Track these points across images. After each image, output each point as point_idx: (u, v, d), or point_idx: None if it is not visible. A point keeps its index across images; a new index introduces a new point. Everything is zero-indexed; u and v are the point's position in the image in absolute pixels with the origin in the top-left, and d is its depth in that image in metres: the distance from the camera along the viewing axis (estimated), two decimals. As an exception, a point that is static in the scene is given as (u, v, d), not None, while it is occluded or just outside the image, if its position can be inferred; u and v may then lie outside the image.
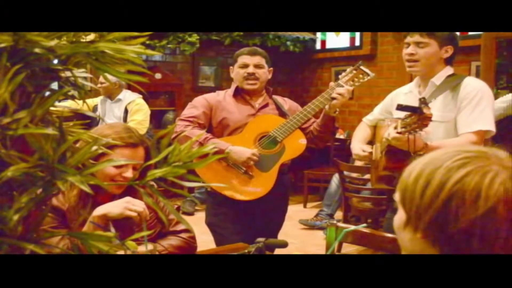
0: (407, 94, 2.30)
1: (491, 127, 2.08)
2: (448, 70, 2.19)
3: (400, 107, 1.90)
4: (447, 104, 2.13)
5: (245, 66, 2.49)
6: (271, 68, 2.59)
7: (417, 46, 2.13)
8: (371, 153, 2.29)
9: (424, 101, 1.85)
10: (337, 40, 6.32)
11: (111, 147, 1.46)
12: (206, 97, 2.54)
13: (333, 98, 2.36)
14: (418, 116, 1.83)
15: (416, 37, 2.12)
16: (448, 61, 2.19)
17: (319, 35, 6.50)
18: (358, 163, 4.68)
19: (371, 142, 2.43)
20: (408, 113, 1.89)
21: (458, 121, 2.10)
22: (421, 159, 0.86)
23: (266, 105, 2.54)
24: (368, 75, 2.48)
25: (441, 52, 2.14)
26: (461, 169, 0.79)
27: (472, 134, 2.06)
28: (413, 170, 0.85)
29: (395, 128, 2.00)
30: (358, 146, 2.32)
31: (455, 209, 0.77)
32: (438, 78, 2.16)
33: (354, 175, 4.23)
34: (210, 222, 2.55)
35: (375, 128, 2.47)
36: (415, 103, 1.96)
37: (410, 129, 1.89)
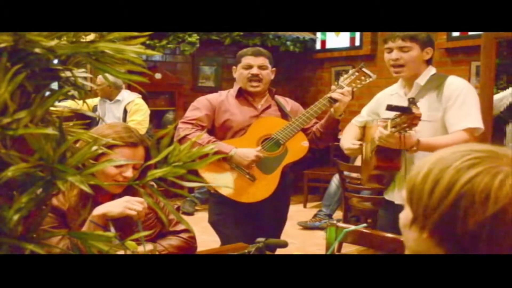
0: (393, 95, 2.34)
1: (479, 124, 2.13)
2: (430, 70, 2.25)
3: (390, 108, 1.94)
4: (432, 104, 2.18)
5: (249, 67, 2.48)
6: (274, 69, 2.58)
7: (401, 50, 2.19)
8: (361, 145, 2.33)
9: (413, 101, 1.90)
10: (337, 40, 6.32)
11: (111, 146, 1.47)
12: (209, 98, 2.53)
13: (334, 100, 2.36)
14: (407, 115, 1.88)
15: (399, 42, 2.19)
16: (429, 62, 2.27)
17: (319, 35, 6.49)
18: (358, 162, 4.69)
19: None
20: (398, 113, 1.93)
21: (447, 120, 2.15)
22: (429, 158, 0.84)
23: (268, 107, 2.54)
24: (369, 77, 2.49)
25: (423, 54, 2.22)
26: (470, 169, 0.77)
27: (462, 131, 2.11)
28: (421, 169, 0.83)
29: (385, 128, 2.03)
30: (348, 141, 2.37)
31: (463, 210, 0.76)
32: (422, 79, 2.23)
33: (354, 175, 4.22)
34: (213, 221, 2.55)
35: (364, 128, 2.50)
36: (402, 104, 1.99)
37: (400, 128, 1.93)
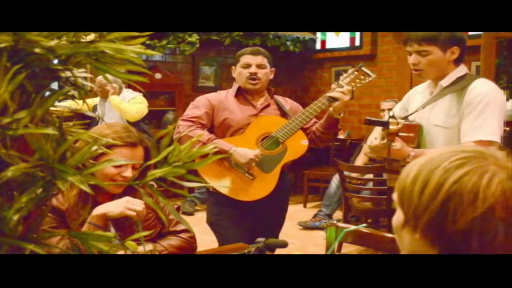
0: (422, 93, 2.23)
1: (494, 137, 1.95)
2: (459, 71, 2.07)
3: (368, 121, 1.90)
4: (451, 109, 2.03)
5: (248, 66, 2.49)
6: (273, 69, 2.58)
7: (419, 54, 2.03)
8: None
9: (392, 116, 1.86)
10: (337, 40, 6.32)
11: (110, 146, 1.46)
12: (208, 97, 2.54)
13: (334, 98, 2.36)
14: (387, 130, 1.86)
15: (415, 46, 2.02)
16: (459, 61, 2.06)
17: (319, 35, 6.50)
18: (358, 162, 4.69)
19: None
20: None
21: (461, 129, 1.99)
22: (419, 159, 0.86)
23: (268, 106, 2.54)
24: (369, 76, 2.48)
25: (447, 55, 2.03)
26: (458, 169, 0.79)
27: (473, 144, 1.94)
28: (411, 170, 0.84)
29: (377, 138, 1.99)
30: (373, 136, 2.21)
31: (453, 209, 0.77)
32: (446, 80, 2.06)
33: (354, 175, 4.23)
34: (211, 221, 2.55)
35: None
36: (421, 104, 1.94)
37: (385, 141, 1.90)
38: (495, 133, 1.95)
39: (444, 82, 2.07)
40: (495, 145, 1.96)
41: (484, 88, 1.99)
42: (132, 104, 4.42)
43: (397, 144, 1.90)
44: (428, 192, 0.80)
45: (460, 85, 2.02)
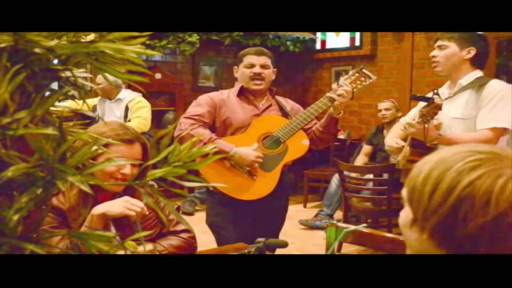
0: (441, 94, 2.42)
1: (506, 124, 2.20)
2: (476, 74, 2.33)
3: (415, 97, 2.12)
4: (470, 103, 2.27)
5: (251, 66, 2.49)
6: (275, 69, 2.59)
7: (439, 48, 2.34)
8: (403, 146, 2.40)
9: (436, 93, 2.05)
10: (337, 40, 6.32)
11: (107, 144, 1.46)
12: (211, 95, 2.54)
13: (334, 100, 2.37)
14: (430, 105, 2.02)
15: (438, 42, 2.36)
16: (475, 64, 2.33)
17: (319, 35, 6.49)
18: (358, 162, 4.69)
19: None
20: (424, 104, 2.08)
21: (477, 118, 2.24)
22: (431, 156, 0.83)
23: (269, 106, 2.55)
24: (370, 78, 2.50)
25: (463, 53, 2.31)
26: (472, 172, 0.76)
27: (487, 130, 2.20)
28: (422, 169, 0.82)
29: (413, 118, 2.17)
30: (392, 139, 2.46)
31: (463, 213, 0.75)
32: (466, 80, 2.32)
33: (354, 175, 4.23)
34: (211, 222, 2.55)
35: None
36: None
37: (425, 118, 2.07)
38: (507, 122, 2.22)
39: (463, 81, 2.33)
40: (509, 133, 2.25)
41: (499, 86, 2.28)
42: (133, 120, 4.30)
43: (434, 121, 2.09)
44: (439, 195, 0.77)
45: (478, 83, 2.29)
